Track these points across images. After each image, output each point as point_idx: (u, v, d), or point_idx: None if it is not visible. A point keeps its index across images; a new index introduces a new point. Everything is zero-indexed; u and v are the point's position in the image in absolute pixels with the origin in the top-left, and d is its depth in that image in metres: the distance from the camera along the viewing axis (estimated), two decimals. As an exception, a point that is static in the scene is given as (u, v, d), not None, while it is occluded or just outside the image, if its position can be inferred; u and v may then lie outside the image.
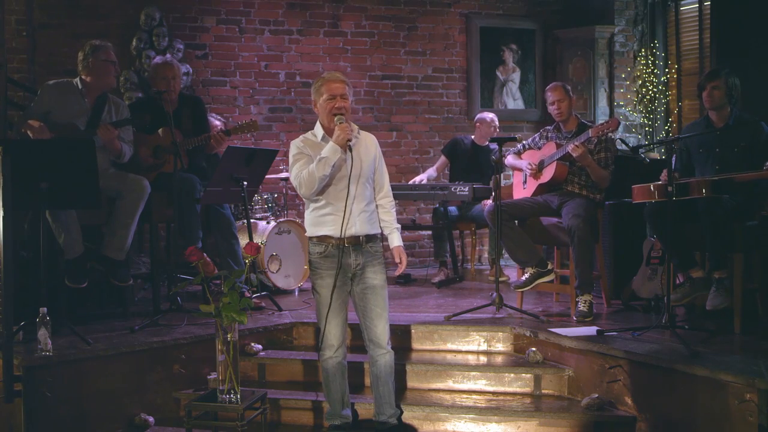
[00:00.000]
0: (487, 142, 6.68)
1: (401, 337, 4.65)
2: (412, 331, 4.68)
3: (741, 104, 4.62)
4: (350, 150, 3.64)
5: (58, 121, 4.72)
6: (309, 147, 3.75)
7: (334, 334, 3.75)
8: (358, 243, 3.74)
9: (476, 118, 6.87)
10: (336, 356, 3.77)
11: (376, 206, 3.88)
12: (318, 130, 3.80)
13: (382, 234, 3.91)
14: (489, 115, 6.76)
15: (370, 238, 3.79)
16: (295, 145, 3.80)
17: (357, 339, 4.34)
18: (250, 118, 5.44)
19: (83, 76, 4.83)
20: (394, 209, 3.96)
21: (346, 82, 3.75)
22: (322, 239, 3.74)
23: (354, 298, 3.82)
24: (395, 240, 3.92)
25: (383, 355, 3.82)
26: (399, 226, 3.97)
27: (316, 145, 3.76)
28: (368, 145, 3.85)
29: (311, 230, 3.79)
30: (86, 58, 4.81)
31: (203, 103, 5.53)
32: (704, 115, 4.75)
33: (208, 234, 5.33)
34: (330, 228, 3.71)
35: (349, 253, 3.73)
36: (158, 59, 5.45)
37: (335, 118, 3.67)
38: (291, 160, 3.79)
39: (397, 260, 3.88)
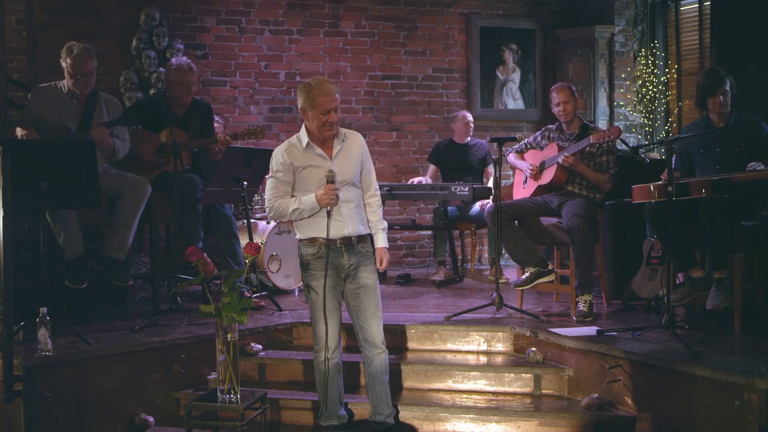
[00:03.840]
0: (467, 139, 6.75)
1: (401, 337, 4.65)
2: (412, 331, 4.67)
3: (738, 103, 4.60)
4: (328, 215, 3.66)
5: (49, 124, 4.72)
6: (293, 157, 3.73)
7: (331, 335, 3.75)
8: (350, 244, 3.75)
9: (451, 116, 7.03)
10: (333, 357, 3.77)
11: (364, 205, 3.89)
12: (303, 135, 3.77)
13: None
14: (462, 113, 6.87)
15: (361, 238, 3.80)
16: (276, 158, 3.76)
17: (351, 339, 4.35)
18: (257, 124, 5.40)
19: (66, 81, 4.82)
20: (381, 209, 3.95)
21: (338, 91, 3.72)
22: (314, 241, 3.74)
23: (347, 297, 3.82)
24: (380, 241, 3.91)
25: (378, 355, 3.81)
26: (385, 225, 3.96)
27: (300, 153, 3.74)
28: (353, 146, 3.83)
29: (302, 232, 3.78)
30: (65, 66, 4.75)
31: (212, 110, 5.54)
32: (704, 115, 4.74)
33: (209, 234, 5.33)
34: (321, 230, 3.71)
35: (342, 254, 3.74)
36: (183, 62, 5.31)
37: (326, 176, 3.65)
38: (270, 171, 3.78)
39: (379, 263, 3.87)
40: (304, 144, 3.75)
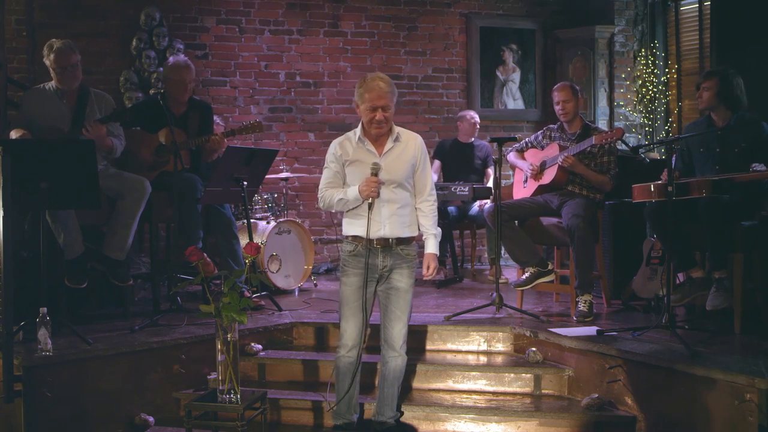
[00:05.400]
0: (471, 139, 6.78)
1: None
2: (413, 330, 4.66)
3: (745, 104, 4.59)
4: (369, 207, 3.66)
5: (41, 126, 4.71)
6: (344, 150, 3.78)
7: (349, 333, 3.76)
8: (387, 245, 3.74)
9: (458, 116, 7.03)
10: (349, 356, 3.77)
11: (416, 209, 3.85)
12: (359, 129, 3.80)
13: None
14: (469, 113, 6.89)
15: (402, 240, 3.76)
16: (330, 150, 3.83)
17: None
18: (255, 119, 5.42)
19: (53, 80, 4.80)
20: (435, 214, 3.88)
21: (389, 90, 3.69)
22: (354, 239, 3.76)
23: (380, 297, 3.84)
24: (429, 246, 3.86)
25: (395, 358, 3.82)
26: (438, 231, 3.88)
27: (352, 147, 3.78)
28: (407, 147, 3.80)
29: (345, 229, 3.84)
30: (49, 63, 4.72)
31: (212, 110, 5.52)
32: (706, 115, 4.75)
33: (209, 234, 5.33)
34: (360, 229, 3.73)
35: (377, 254, 3.73)
36: (180, 59, 5.34)
37: (371, 167, 3.66)
38: (326, 161, 3.85)
39: (425, 269, 3.85)
40: (356, 138, 3.78)
